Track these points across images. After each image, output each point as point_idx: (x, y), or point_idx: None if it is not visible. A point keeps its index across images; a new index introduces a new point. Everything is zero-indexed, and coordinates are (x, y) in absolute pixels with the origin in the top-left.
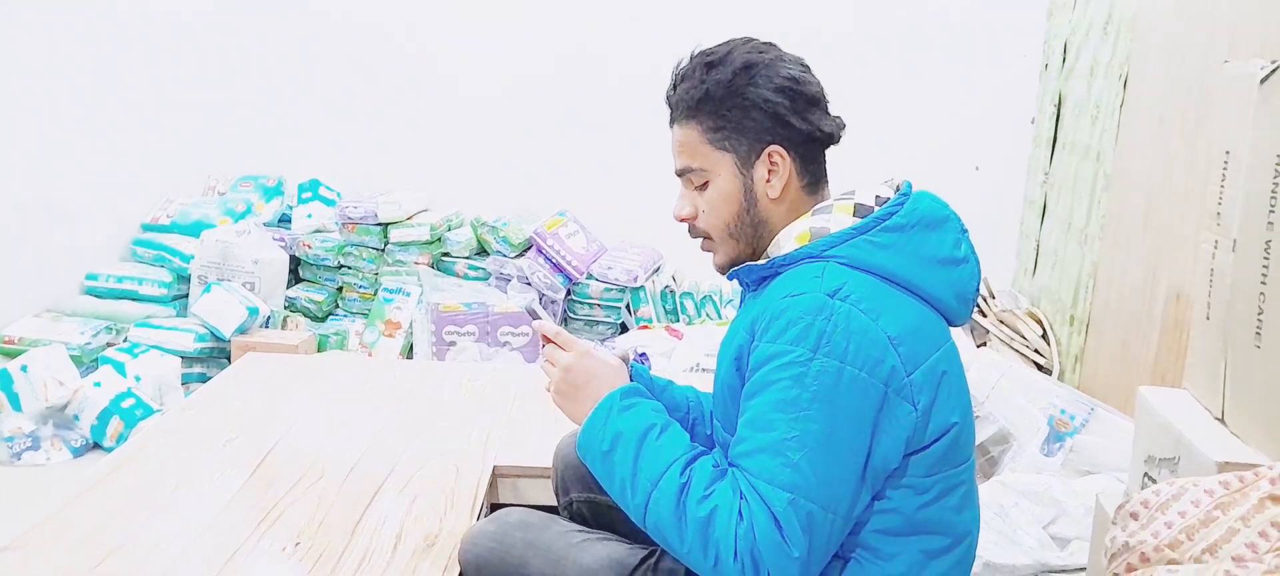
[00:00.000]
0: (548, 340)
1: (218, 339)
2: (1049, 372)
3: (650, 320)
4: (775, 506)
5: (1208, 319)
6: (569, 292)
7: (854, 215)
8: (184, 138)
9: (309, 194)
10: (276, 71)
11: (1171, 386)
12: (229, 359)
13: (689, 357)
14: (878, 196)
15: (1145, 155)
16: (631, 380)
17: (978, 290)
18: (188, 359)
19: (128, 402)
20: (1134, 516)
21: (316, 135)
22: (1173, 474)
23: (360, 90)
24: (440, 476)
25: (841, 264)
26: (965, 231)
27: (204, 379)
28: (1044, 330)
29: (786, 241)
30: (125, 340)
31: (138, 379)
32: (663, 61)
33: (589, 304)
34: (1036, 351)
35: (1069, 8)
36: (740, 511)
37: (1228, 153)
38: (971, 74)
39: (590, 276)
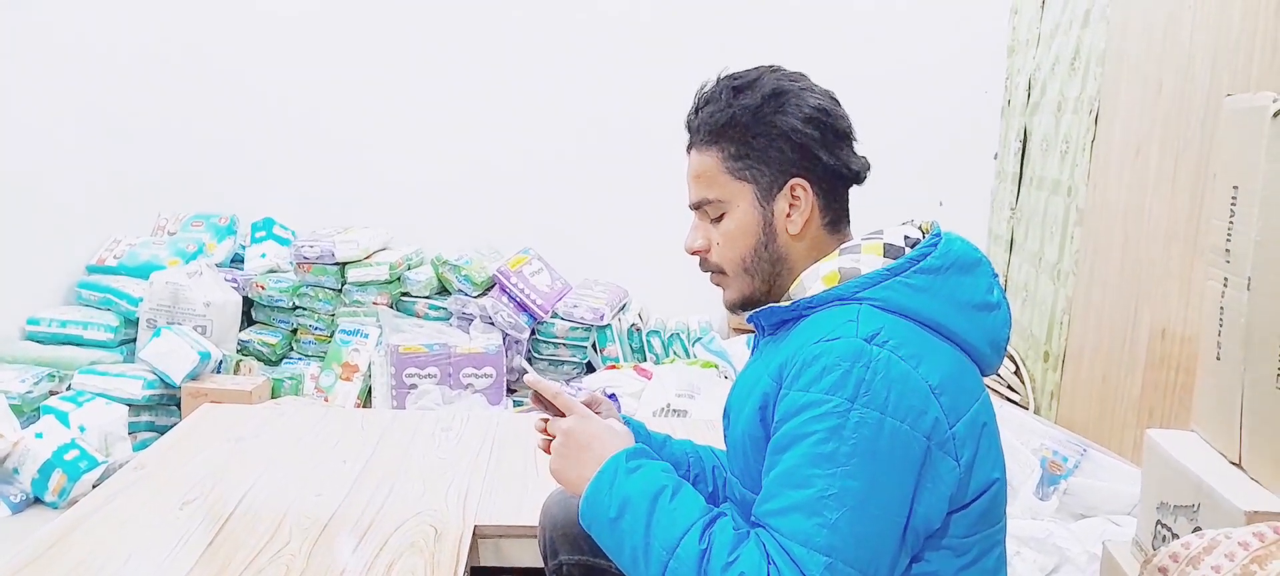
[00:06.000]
0: (541, 401)
1: (168, 385)
2: (1025, 409)
3: (617, 359)
4: (810, 571)
5: (1218, 359)
6: (534, 332)
7: (884, 256)
8: (132, 175)
9: (263, 233)
10: (229, 106)
11: (1160, 424)
12: (179, 406)
13: (660, 398)
14: (907, 237)
15: (1121, 189)
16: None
17: (1009, 338)
18: (136, 407)
19: (71, 454)
20: (1163, 572)
21: (270, 172)
22: (1191, 521)
23: (315, 126)
24: (417, 538)
25: (875, 307)
26: (996, 276)
27: (153, 428)
28: (1017, 366)
29: (812, 282)
30: (69, 388)
31: (82, 429)
32: (625, 98)
33: (554, 343)
34: (1010, 388)
35: (1032, 44)
36: None
37: (1236, 188)
38: (933, 110)
39: (555, 315)
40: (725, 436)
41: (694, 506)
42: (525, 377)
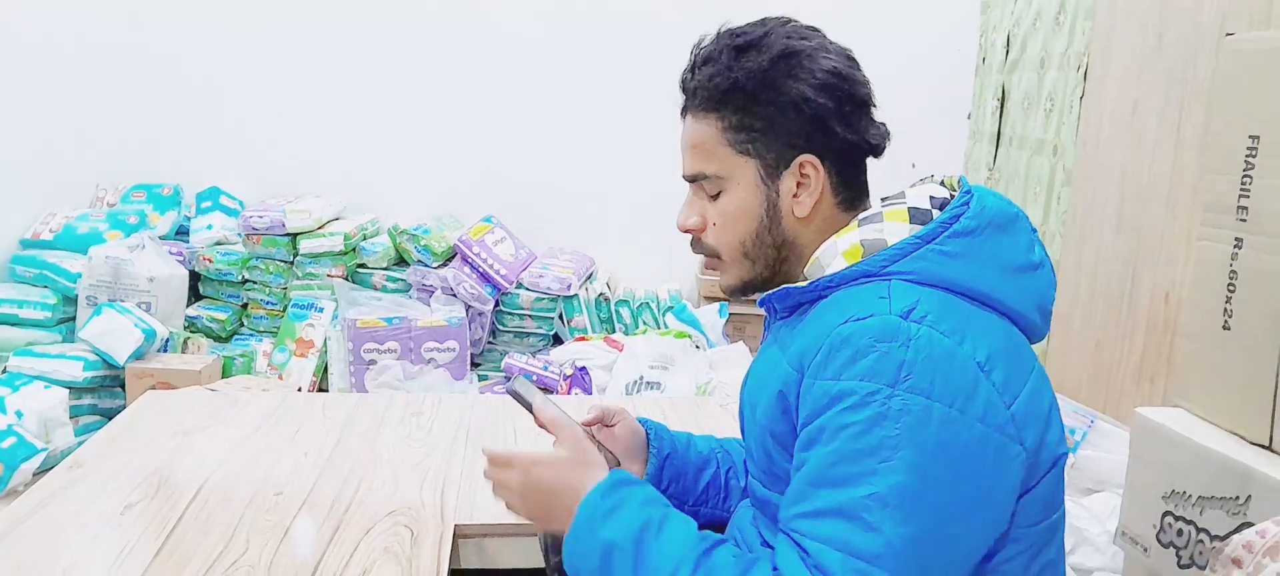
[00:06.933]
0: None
1: (110, 366)
2: None
3: (585, 330)
4: None
5: (1226, 328)
6: (497, 303)
7: (910, 222)
8: (68, 143)
9: (209, 203)
10: (171, 69)
11: (1162, 391)
12: (123, 388)
13: (632, 370)
14: (933, 197)
15: (1115, 149)
16: (649, 437)
17: (1055, 299)
18: (77, 390)
19: (8, 442)
20: (1237, 563)
21: (216, 138)
22: (1229, 513)
23: (262, 89)
24: (392, 542)
25: (907, 281)
26: (1035, 231)
27: (96, 411)
28: None
29: (830, 259)
30: (4, 371)
31: (19, 414)
32: (589, 56)
33: (520, 315)
34: None
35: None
36: None
37: (1256, 138)
38: (903, 68)
39: (520, 285)
40: (742, 431)
41: (682, 539)
42: (514, 384)
